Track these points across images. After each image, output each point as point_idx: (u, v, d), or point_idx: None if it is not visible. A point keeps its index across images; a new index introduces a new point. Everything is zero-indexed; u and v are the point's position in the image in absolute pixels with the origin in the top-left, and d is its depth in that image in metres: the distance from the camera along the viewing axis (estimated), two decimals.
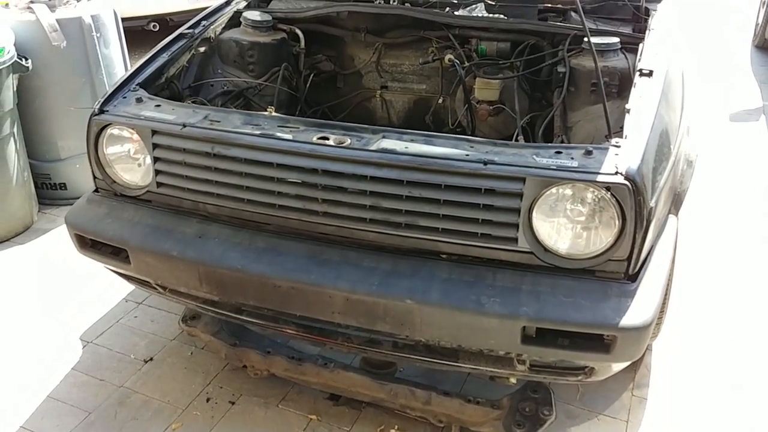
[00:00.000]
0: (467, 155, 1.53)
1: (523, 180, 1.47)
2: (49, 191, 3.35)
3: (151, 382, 2.17)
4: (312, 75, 2.50)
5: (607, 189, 1.45)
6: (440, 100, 2.46)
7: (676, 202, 1.82)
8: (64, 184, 3.34)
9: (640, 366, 2.21)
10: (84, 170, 3.22)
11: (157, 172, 1.80)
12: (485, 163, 1.50)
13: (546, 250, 1.52)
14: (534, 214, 1.50)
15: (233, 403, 2.08)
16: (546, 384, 1.88)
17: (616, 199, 1.45)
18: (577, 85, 2.00)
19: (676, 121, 1.85)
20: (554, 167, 1.47)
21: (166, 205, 1.84)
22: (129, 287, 2.65)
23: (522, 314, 1.47)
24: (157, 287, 1.92)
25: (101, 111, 1.86)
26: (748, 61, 5.40)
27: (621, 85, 1.91)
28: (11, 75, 2.88)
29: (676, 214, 1.81)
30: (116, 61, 3.33)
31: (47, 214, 3.27)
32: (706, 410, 2.06)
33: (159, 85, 2.05)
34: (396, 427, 1.98)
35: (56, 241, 3.05)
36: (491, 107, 2.20)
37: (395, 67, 2.52)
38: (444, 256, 1.58)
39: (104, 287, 2.64)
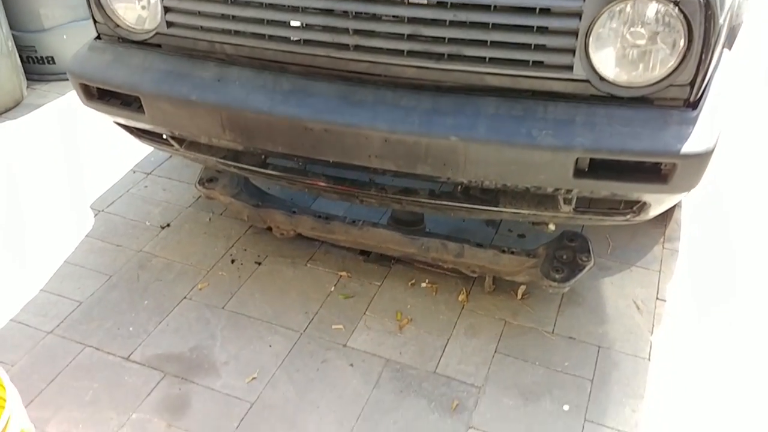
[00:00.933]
0: None
1: None
2: (36, 65, 3.12)
3: (170, 246, 2.11)
4: None
5: (675, 3, 1.31)
6: None
7: (730, 37, 1.70)
8: (52, 57, 3.11)
9: (670, 221, 2.18)
10: (72, 42, 3.01)
11: (167, 10, 1.62)
12: None
13: (602, 78, 1.41)
14: (591, 38, 1.37)
15: (259, 264, 2.03)
16: (582, 233, 1.84)
17: (684, 15, 1.31)
18: None
19: None
20: None
21: (178, 49, 1.67)
22: (136, 158, 2.53)
23: (577, 145, 1.38)
24: (173, 141, 1.80)
25: None
26: None
27: None
28: None
29: (730, 49, 1.69)
30: None
31: (36, 90, 3.07)
32: (737, 259, 2.05)
33: None
34: (427, 281, 1.96)
35: (50, 115, 2.88)
36: None
37: None
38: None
39: (108, 159, 2.52)
